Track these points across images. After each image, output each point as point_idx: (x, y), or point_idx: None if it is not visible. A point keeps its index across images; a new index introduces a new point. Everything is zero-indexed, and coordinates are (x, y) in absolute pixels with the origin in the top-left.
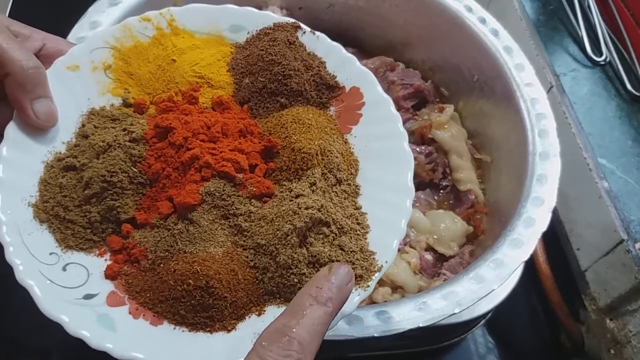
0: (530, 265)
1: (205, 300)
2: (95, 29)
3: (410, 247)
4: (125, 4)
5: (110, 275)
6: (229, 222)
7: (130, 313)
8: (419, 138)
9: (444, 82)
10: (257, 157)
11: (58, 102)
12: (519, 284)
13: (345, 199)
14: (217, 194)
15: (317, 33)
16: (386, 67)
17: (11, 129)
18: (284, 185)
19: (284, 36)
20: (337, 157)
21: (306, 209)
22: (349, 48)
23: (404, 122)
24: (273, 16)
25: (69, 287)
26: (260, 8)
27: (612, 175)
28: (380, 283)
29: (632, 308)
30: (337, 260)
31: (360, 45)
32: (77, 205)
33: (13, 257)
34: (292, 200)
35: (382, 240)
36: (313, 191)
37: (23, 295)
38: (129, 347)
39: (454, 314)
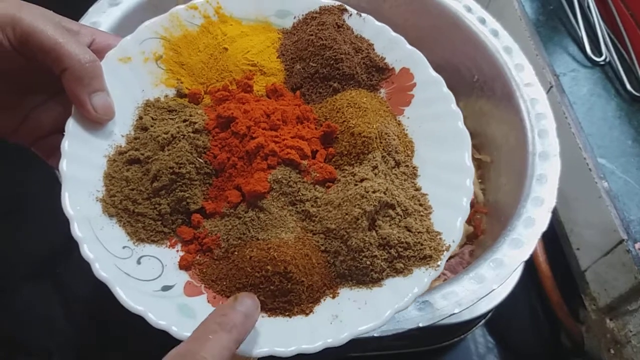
0: (530, 265)
1: (284, 285)
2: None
3: None
4: (125, 4)
5: (184, 265)
6: (297, 208)
7: (209, 302)
8: None
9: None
10: (317, 143)
11: (113, 95)
12: (518, 284)
13: (405, 181)
14: (284, 181)
15: (363, 15)
16: None
17: (71, 124)
18: (346, 169)
19: (331, 19)
20: (394, 140)
21: (373, 192)
22: None
23: None
24: (319, 0)
25: (146, 279)
26: None
27: (611, 175)
28: None
29: (632, 308)
30: (407, 242)
31: None
32: (145, 198)
33: (89, 252)
34: (357, 185)
35: (446, 219)
36: (376, 174)
37: (22, 295)
38: None
39: (454, 314)
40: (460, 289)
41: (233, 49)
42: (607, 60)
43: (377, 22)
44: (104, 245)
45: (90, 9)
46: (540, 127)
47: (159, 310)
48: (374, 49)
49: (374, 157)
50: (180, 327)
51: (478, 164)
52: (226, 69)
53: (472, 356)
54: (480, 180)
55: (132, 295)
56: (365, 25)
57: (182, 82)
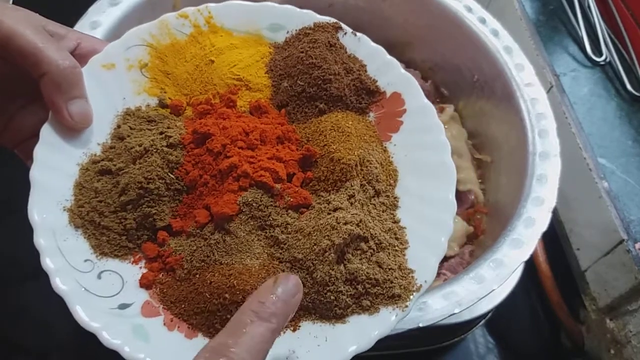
0: (530, 265)
1: None
2: (96, 28)
3: None
4: (125, 4)
5: (145, 284)
6: (266, 233)
7: (165, 324)
8: None
9: (444, 82)
10: (295, 166)
11: (93, 102)
12: (519, 284)
13: (383, 212)
14: (254, 204)
15: (359, 34)
16: None
17: (46, 130)
18: (322, 196)
19: (324, 37)
20: (376, 168)
21: (345, 224)
22: None
23: None
24: (314, 15)
25: (104, 296)
26: None
27: (612, 175)
28: None
29: (632, 308)
30: (375, 278)
31: None
32: (112, 211)
33: (49, 263)
34: (330, 214)
35: (421, 257)
36: (351, 204)
37: (20, 296)
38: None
39: (454, 314)
40: (460, 289)
41: (219, 62)
42: (608, 60)
43: (372, 43)
44: (66, 257)
45: (90, 9)
46: (540, 127)
47: (113, 329)
48: (366, 71)
49: (351, 185)
50: (133, 348)
51: (478, 164)
52: (210, 82)
53: (472, 356)
54: (480, 180)
55: (88, 312)
56: (360, 45)
57: (165, 92)
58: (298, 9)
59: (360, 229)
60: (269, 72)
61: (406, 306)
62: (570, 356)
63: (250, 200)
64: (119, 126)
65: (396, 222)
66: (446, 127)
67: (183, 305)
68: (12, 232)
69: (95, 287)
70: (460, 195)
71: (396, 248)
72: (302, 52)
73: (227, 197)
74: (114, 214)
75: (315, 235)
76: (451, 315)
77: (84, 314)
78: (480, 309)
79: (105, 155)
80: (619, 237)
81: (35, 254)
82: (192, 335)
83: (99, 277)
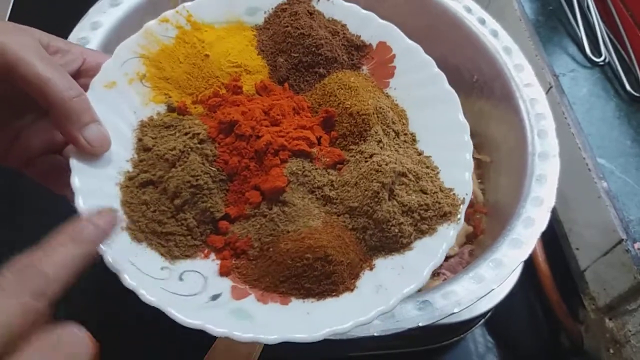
0: (530, 265)
1: (327, 268)
2: (96, 29)
3: None
4: (126, 4)
5: (224, 272)
6: (316, 194)
7: (259, 300)
8: None
9: None
10: (319, 130)
11: (107, 122)
12: (518, 284)
13: (407, 148)
14: (299, 172)
15: None
16: None
17: (74, 159)
18: (352, 149)
19: (302, 8)
20: (389, 112)
21: (386, 164)
22: None
23: None
24: None
25: (193, 294)
26: None
27: (611, 175)
28: None
29: (631, 308)
30: (426, 203)
31: None
32: (170, 216)
33: (130, 281)
34: (367, 161)
35: (454, 176)
36: (382, 148)
37: None
38: (275, 330)
39: (454, 313)
40: (460, 289)
41: (214, 54)
42: (607, 60)
43: (345, 3)
44: (143, 271)
45: (91, 10)
46: (539, 127)
47: (215, 320)
48: (348, 29)
49: (376, 132)
50: (241, 330)
51: (477, 163)
52: (212, 75)
53: (472, 356)
54: (479, 180)
55: (186, 312)
56: (335, 8)
57: (170, 97)
58: None
59: (399, 166)
60: (260, 53)
61: (458, 219)
62: (569, 355)
63: (294, 169)
64: (140, 139)
65: (420, 153)
66: None
67: (267, 279)
68: (10, 231)
69: (181, 289)
70: None
71: (430, 175)
72: (287, 26)
73: (274, 172)
74: (173, 219)
75: (363, 183)
76: (451, 314)
77: (183, 316)
78: (480, 309)
79: (140, 169)
80: (618, 237)
81: None
82: (287, 301)
83: (180, 279)
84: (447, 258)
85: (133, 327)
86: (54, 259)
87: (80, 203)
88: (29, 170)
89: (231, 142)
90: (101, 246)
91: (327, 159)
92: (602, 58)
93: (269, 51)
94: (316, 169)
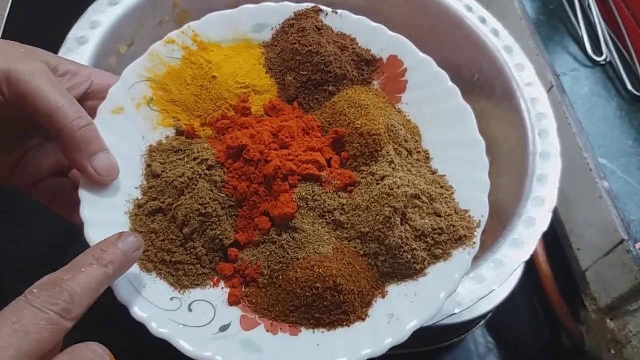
0: (531, 265)
1: (337, 298)
2: (95, 28)
3: None
4: (125, 3)
5: (234, 301)
6: (327, 219)
7: (268, 331)
8: None
9: None
10: (329, 151)
11: (115, 150)
12: (519, 284)
13: (421, 167)
14: (309, 197)
15: (339, 11)
16: None
17: (84, 189)
18: (363, 170)
19: (310, 23)
20: (401, 130)
21: (398, 188)
22: None
23: None
24: (291, 6)
25: (202, 325)
26: None
27: (612, 175)
28: None
29: (632, 308)
30: (440, 227)
31: None
32: (179, 245)
33: (140, 313)
34: (379, 184)
35: (470, 196)
36: (394, 169)
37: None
38: None
39: (454, 314)
40: (461, 289)
41: (222, 75)
42: (608, 60)
43: (354, 16)
44: (153, 302)
45: (90, 9)
46: (541, 127)
47: (225, 352)
48: (357, 44)
49: (387, 153)
50: None
51: None
52: (220, 97)
53: (473, 356)
54: None
55: (195, 344)
56: (344, 21)
57: (179, 120)
58: (274, 4)
59: (412, 188)
60: (269, 71)
61: (474, 243)
62: (570, 356)
63: (304, 194)
64: (149, 165)
65: (434, 172)
66: None
67: (277, 308)
68: (10, 230)
69: (191, 320)
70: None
71: (445, 196)
72: (295, 43)
73: (283, 198)
74: (182, 247)
75: (374, 207)
76: (451, 315)
77: (193, 348)
78: (481, 309)
79: (149, 197)
80: (619, 237)
81: (34, 251)
82: (297, 331)
83: (189, 310)
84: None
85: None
86: (80, 280)
87: (90, 234)
88: (35, 192)
89: (240, 167)
90: None
91: (338, 182)
92: (603, 57)
93: (278, 69)
94: (326, 192)
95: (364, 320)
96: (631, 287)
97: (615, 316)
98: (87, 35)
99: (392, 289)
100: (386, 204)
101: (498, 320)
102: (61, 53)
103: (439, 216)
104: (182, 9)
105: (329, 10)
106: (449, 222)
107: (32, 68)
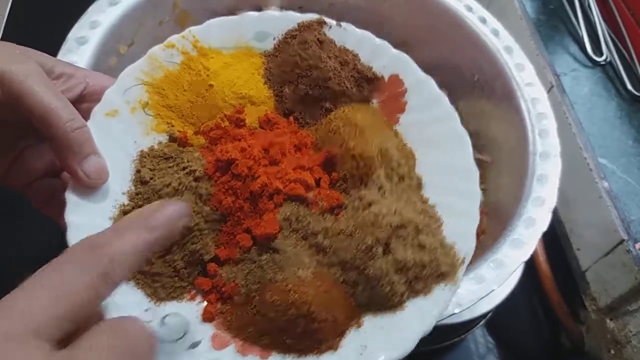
0: (531, 265)
1: (310, 326)
2: (95, 28)
3: None
4: (124, 3)
5: (208, 317)
6: (309, 242)
7: (238, 351)
8: None
9: (444, 82)
10: (319, 171)
11: (106, 153)
12: (519, 284)
13: (411, 194)
14: (293, 217)
15: (343, 24)
16: None
17: (70, 194)
18: (352, 194)
19: (312, 36)
20: (395, 154)
21: (383, 217)
22: None
23: None
24: (295, 15)
25: (174, 339)
26: (259, 8)
27: (612, 175)
28: None
29: (632, 308)
30: (422, 261)
31: None
32: (159, 257)
33: None
34: (365, 210)
35: (458, 229)
36: (382, 195)
37: None
38: None
39: (454, 314)
40: (460, 289)
41: (219, 84)
42: (608, 60)
43: (358, 30)
44: (126, 312)
45: (90, 8)
46: (541, 127)
47: None
48: (359, 59)
49: (378, 177)
50: None
51: (478, 163)
52: (215, 106)
53: (472, 356)
54: (480, 180)
55: (164, 358)
56: (347, 35)
57: (173, 126)
58: (278, 13)
59: (398, 218)
60: (267, 81)
61: (456, 280)
62: (570, 356)
63: (288, 214)
64: (138, 171)
65: (425, 201)
66: None
67: (250, 329)
68: (10, 230)
69: (163, 333)
70: None
71: (433, 227)
72: (296, 55)
73: (267, 217)
74: (161, 259)
75: (357, 234)
76: (451, 315)
77: None
78: (481, 309)
79: (135, 203)
80: (619, 237)
81: (33, 251)
82: (267, 355)
83: (163, 322)
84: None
85: None
86: (120, 245)
87: (72, 239)
88: (28, 192)
89: (227, 181)
90: None
91: (325, 203)
92: (603, 57)
93: (276, 80)
94: (312, 214)
95: (335, 350)
96: (631, 287)
97: (615, 316)
98: (87, 35)
99: (369, 320)
100: (369, 232)
101: (498, 320)
102: (61, 53)
103: (423, 249)
104: (182, 9)
105: (333, 22)
106: (432, 256)
107: (25, 69)
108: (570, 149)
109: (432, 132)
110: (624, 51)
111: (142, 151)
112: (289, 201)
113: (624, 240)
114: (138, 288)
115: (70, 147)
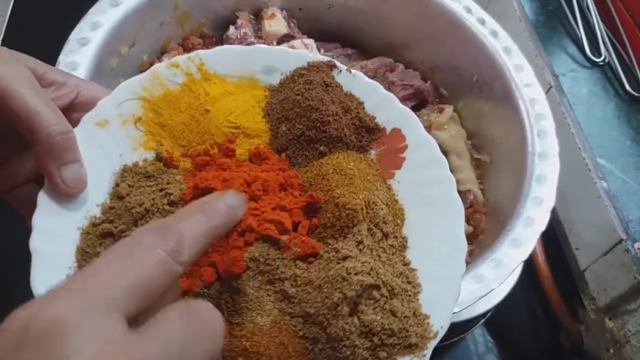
0: (530, 265)
1: None
2: (96, 29)
3: None
4: (126, 4)
5: None
6: (275, 287)
7: None
8: None
9: (444, 83)
10: (299, 214)
11: (88, 162)
12: (518, 284)
13: (393, 255)
14: (261, 259)
15: (353, 71)
16: (386, 68)
17: (42, 197)
18: (329, 243)
19: (319, 78)
20: (382, 209)
21: (355, 274)
22: (349, 49)
23: None
24: (307, 55)
25: None
26: (260, 10)
27: (611, 175)
28: None
29: (631, 308)
30: (391, 329)
31: (360, 46)
32: None
33: None
34: (339, 263)
35: (436, 300)
36: (360, 250)
37: (21, 290)
38: None
39: (454, 313)
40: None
41: (215, 111)
42: (606, 60)
43: (367, 79)
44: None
45: (91, 10)
46: (539, 127)
47: None
48: (364, 108)
49: (359, 231)
50: None
51: (478, 164)
52: (207, 132)
53: (472, 355)
54: (479, 180)
55: None
56: (355, 82)
57: (162, 145)
58: (291, 50)
59: (372, 278)
60: (266, 116)
61: (424, 355)
62: (569, 356)
63: (257, 255)
64: (117, 184)
65: (407, 264)
66: (445, 127)
67: None
68: (11, 228)
69: None
70: (459, 195)
71: (409, 293)
72: (299, 95)
73: (234, 254)
74: None
75: (326, 288)
76: None
77: None
78: (480, 309)
79: (106, 217)
80: (617, 237)
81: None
82: None
83: None
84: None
85: None
86: (188, 226)
87: (35, 243)
88: (11, 197)
89: None
90: (39, 289)
91: (299, 249)
92: (601, 58)
93: (275, 116)
94: (282, 258)
95: None
96: (630, 286)
97: (613, 315)
98: (89, 36)
99: None
100: (338, 288)
101: (497, 320)
102: (63, 54)
103: (394, 315)
104: (183, 10)
105: (344, 68)
106: (403, 324)
107: (13, 71)
108: (568, 149)
109: (427, 194)
110: (622, 52)
111: (125, 165)
112: (260, 241)
113: (622, 239)
114: None
115: (51, 151)
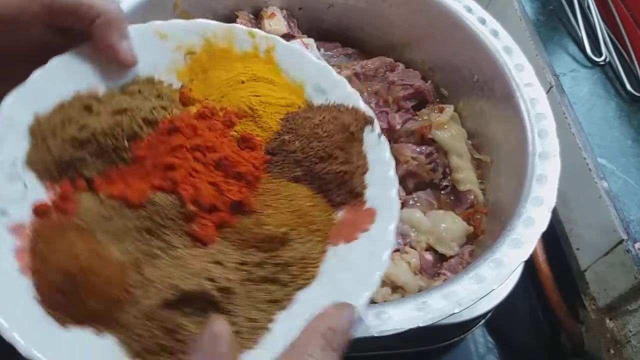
0: (530, 265)
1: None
2: None
3: (411, 247)
4: (125, 3)
5: (37, 210)
6: (149, 240)
7: (21, 269)
8: (419, 138)
9: (444, 83)
10: (226, 204)
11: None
12: (518, 284)
13: (266, 302)
14: (159, 208)
15: (382, 138)
16: (386, 68)
17: (57, 59)
18: (225, 245)
19: (348, 121)
20: (292, 257)
21: (205, 278)
22: (349, 48)
23: (404, 123)
24: (358, 99)
25: (4, 191)
26: (260, 9)
27: (611, 175)
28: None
29: (631, 308)
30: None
31: (360, 45)
32: (63, 139)
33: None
34: (209, 262)
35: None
36: (237, 269)
37: None
38: None
39: (454, 313)
40: (460, 289)
41: (247, 86)
42: (607, 60)
43: (388, 153)
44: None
45: None
46: (540, 127)
47: None
48: (364, 173)
49: (254, 254)
50: None
51: (478, 164)
52: (227, 95)
53: (472, 356)
54: (480, 180)
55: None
56: (378, 149)
57: (192, 82)
58: (350, 88)
59: (215, 293)
60: (284, 120)
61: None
62: (569, 356)
63: (156, 201)
64: (133, 84)
65: (270, 321)
66: (446, 127)
67: (44, 265)
68: None
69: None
70: (460, 196)
71: (244, 338)
72: (322, 124)
73: (142, 186)
74: (61, 141)
75: (179, 271)
76: (451, 315)
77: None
78: (480, 309)
79: (102, 98)
80: (618, 237)
81: None
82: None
83: (9, 179)
84: (447, 258)
85: None
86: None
87: (36, 75)
88: None
89: (160, 141)
90: (6, 109)
91: (197, 229)
92: (602, 58)
93: (289, 126)
94: (177, 223)
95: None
96: (630, 286)
97: (614, 316)
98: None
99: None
100: (183, 277)
101: (497, 320)
102: None
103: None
104: (182, 9)
105: (378, 130)
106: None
107: None
108: (569, 149)
109: (342, 281)
110: (623, 51)
111: (150, 76)
112: (174, 195)
113: (623, 240)
114: (30, 145)
115: (114, 23)
